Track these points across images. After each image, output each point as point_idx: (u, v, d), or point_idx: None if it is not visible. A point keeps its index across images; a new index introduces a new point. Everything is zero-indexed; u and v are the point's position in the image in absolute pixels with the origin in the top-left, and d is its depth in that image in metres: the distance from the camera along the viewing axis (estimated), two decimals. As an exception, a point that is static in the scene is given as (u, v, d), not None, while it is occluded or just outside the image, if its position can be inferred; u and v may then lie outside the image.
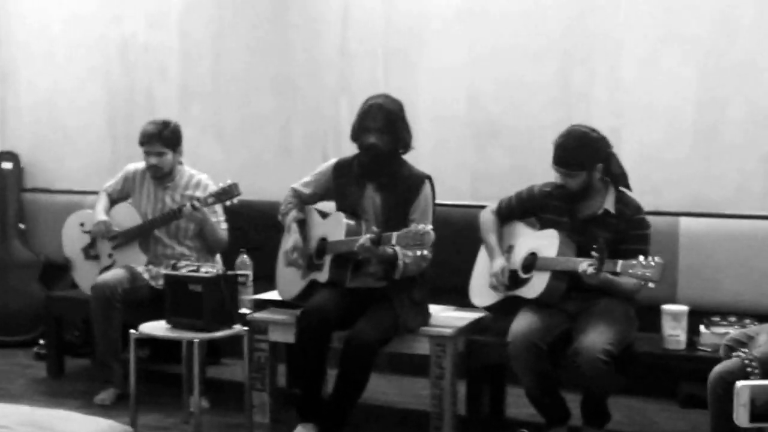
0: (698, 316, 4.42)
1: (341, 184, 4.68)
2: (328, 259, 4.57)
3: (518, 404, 4.80)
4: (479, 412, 4.65)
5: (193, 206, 5.08)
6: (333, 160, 4.81)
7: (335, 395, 4.43)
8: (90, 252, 5.46)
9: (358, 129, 4.60)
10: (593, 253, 4.08)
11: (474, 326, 4.71)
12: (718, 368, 3.62)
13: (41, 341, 5.98)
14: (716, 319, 4.37)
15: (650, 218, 4.43)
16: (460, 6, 5.55)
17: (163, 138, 5.25)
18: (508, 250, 4.57)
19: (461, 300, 4.76)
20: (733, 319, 4.34)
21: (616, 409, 4.48)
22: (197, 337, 4.35)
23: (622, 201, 4.39)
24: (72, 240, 5.57)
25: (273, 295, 4.95)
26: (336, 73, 5.89)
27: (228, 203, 5.14)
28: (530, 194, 4.57)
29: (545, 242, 4.40)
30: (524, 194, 4.59)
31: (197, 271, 4.55)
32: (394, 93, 4.71)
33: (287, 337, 4.68)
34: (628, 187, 4.42)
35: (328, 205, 4.80)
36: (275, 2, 6.04)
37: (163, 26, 6.32)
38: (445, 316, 4.78)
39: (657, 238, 4.47)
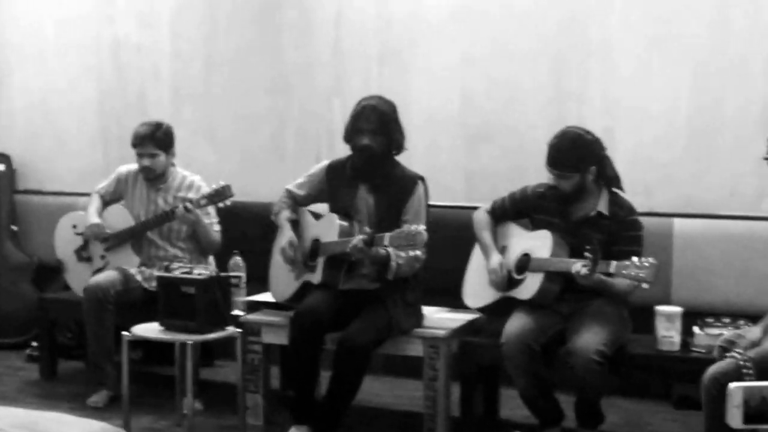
0: (692, 317, 4.42)
1: (334, 186, 4.68)
2: (321, 261, 4.57)
3: (512, 405, 4.80)
4: (473, 414, 4.65)
5: (185, 208, 5.06)
6: (325, 162, 4.80)
7: (329, 397, 4.42)
8: (82, 254, 5.45)
9: (351, 130, 4.59)
10: (587, 254, 4.08)
11: (467, 328, 4.71)
12: (711, 369, 3.63)
13: (34, 343, 5.96)
14: (710, 320, 4.37)
15: (644, 219, 4.44)
16: (454, 7, 5.55)
17: (155, 139, 5.24)
18: (501, 251, 4.56)
19: (454, 301, 4.75)
20: (727, 320, 4.34)
21: (609, 410, 4.48)
22: (190, 339, 4.34)
23: (616, 202, 4.39)
24: (64, 242, 5.55)
25: (266, 296, 4.95)
26: (329, 75, 5.88)
27: (221, 205, 5.13)
28: (523, 195, 4.57)
29: (538, 243, 4.40)
30: (517, 195, 4.60)
31: (190, 272, 4.55)
32: (388, 94, 4.71)
33: (280, 338, 4.67)
34: (621, 189, 4.42)
35: (322, 207, 4.79)
36: (268, 3, 6.03)
37: (155, 27, 6.31)
38: (438, 318, 4.77)
39: (651, 239, 4.47)
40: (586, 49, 5.28)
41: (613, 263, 4.06)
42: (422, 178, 4.60)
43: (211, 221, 5.28)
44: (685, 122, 5.12)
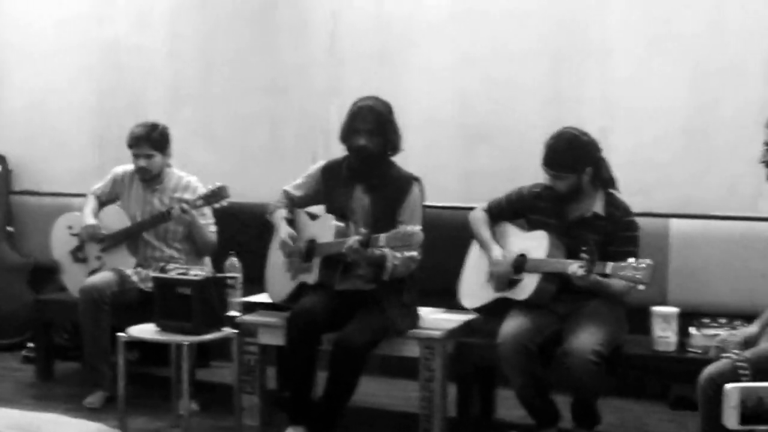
0: (688, 317, 4.41)
1: (330, 186, 4.67)
2: (317, 261, 4.56)
3: (508, 406, 4.80)
4: (469, 414, 4.64)
5: (182, 209, 5.06)
6: (321, 162, 4.80)
7: (325, 398, 4.41)
8: (78, 255, 5.44)
9: (347, 131, 4.59)
10: (583, 255, 4.07)
11: (463, 328, 4.70)
12: (707, 370, 3.62)
13: (30, 344, 5.95)
14: (707, 320, 4.36)
15: (641, 220, 4.44)
16: (451, 7, 5.55)
17: (151, 140, 5.24)
18: (497, 252, 4.56)
19: (450, 302, 4.74)
20: (723, 320, 4.33)
21: (606, 410, 4.47)
22: (186, 340, 4.33)
23: (612, 203, 4.39)
24: (60, 243, 5.55)
25: (262, 297, 4.94)
26: (326, 75, 5.87)
27: (217, 206, 5.12)
28: (519, 195, 4.57)
29: (534, 244, 4.39)
30: (513, 195, 4.60)
31: (186, 273, 4.54)
32: (385, 94, 4.70)
33: (277, 339, 4.66)
34: (617, 191, 4.42)
35: (318, 208, 4.78)
36: (265, 4, 6.02)
37: (153, 28, 6.30)
38: (434, 318, 4.76)
39: (647, 240, 4.47)
40: (585, 50, 5.28)
41: (609, 264, 4.06)
42: (418, 179, 4.59)
43: (207, 222, 5.28)
44: (683, 123, 5.12)
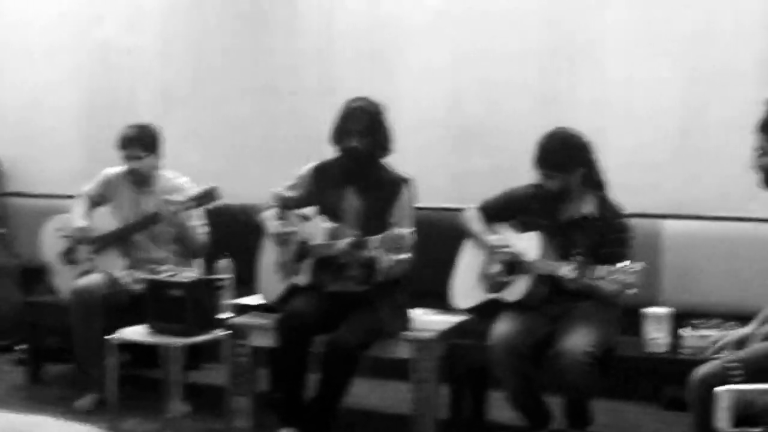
0: (681, 318, 4.41)
1: (321, 188, 4.67)
2: (308, 263, 4.55)
3: (500, 407, 4.78)
4: (461, 416, 4.64)
5: (170, 208, 5.04)
6: (312, 164, 4.78)
7: (317, 399, 4.41)
8: (69, 257, 5.42)
9: (339, 132, 4.58)
10: (575, 258, 4.07)
11: (455, 330, 4.69)
12: (699, 371, 3.61)
13: (21, 346, 5.92)
14: (699, 321, 4.36)
15: (634, 221, 4.44)
16: (443, 8, 5.54)
17: (142, 142, 5.23)
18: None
19: (442, 303, 4.74)
20: (716, 321, 4.33)
21: (598, 412, 4.46)
22: (177, 341, 4.32)
23: (604, 204, 4.38)
24: (51, 244, 5.52)
25: (254, 299, 4.93)
26: (318, 76, 5.86)
27: (208, 207, 5.11)
28: (511, 196, 4.57)
29: (526, 245, 4.38)
30: (506, 196, 4.59)
31: (177, 275, 4.53)
32: (377, 95, 4.69)
33: (268, 341, 4.65)
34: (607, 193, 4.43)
35: (309, 209, 4.77)
36: (256, 4, 6.01)
37: (143, 29, 6.29)
38: (426, 320, 4.75)
39: (640, 241, 4.47)
40: (578, 51, 5.28)
41: (601, 268, 4.05)
42: (409, 180, 4.58)
43: (198, 224, 5.26)
44: (675, 124, 5.12)
